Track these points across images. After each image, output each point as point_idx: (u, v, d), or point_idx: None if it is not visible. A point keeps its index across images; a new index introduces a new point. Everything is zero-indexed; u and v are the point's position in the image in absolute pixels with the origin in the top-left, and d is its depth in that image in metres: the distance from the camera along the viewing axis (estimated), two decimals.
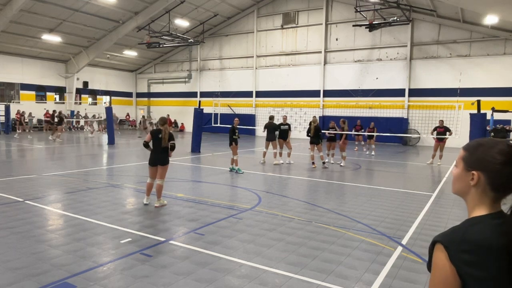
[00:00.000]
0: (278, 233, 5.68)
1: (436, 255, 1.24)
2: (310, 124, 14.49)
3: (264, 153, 13.84)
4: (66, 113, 25.26)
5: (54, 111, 24.97)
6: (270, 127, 13.70)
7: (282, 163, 13.47)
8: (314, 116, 13.93)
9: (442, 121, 14.56)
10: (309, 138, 13.30)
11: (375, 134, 17.20)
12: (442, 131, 14.29)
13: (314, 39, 27.38)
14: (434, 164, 14.24)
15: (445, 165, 13.93)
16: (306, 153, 15.42)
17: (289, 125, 14.02)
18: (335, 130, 13.94)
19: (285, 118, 14.07)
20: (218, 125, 18.67)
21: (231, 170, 11.52)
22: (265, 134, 14.09)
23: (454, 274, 1.19)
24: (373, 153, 17.36)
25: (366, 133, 17.14)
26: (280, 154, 13.63)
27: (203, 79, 32.89)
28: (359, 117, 20.58)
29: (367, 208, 7.38)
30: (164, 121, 7.44)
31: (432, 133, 14.82)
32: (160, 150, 7.21)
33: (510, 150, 1.26)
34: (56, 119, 22.24)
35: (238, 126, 11.88)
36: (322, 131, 13.52)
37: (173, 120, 34.51)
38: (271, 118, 13.92)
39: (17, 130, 25.12)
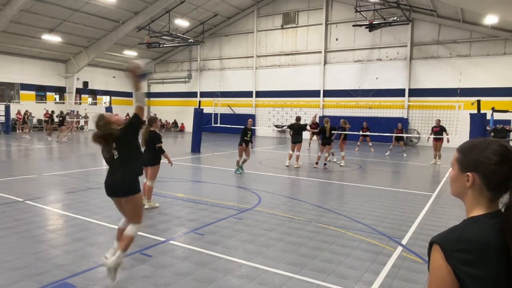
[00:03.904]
0: (278, 233, 5.68)
1: (433, 255, 1.25)
2: (312, 124, 14.45)
3: (290, 156, 12.91)
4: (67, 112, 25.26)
5: (52, 111, 24.93)
6: (297, 128, 12.71)
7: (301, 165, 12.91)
8: (327, 118, 13.56)
9: (439, 120, 14.58)
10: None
11: (405, 135, 16.96)
12: (438, 130, 14.32)
13: (314, 39, 27.39)
14: (437, 164, 14.20)
15: (445, 165, 13.93)
16: (305, 153, 15.41)
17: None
18: (344, 130, 14.00)
19: (298, 118, 13.12)
20: (218, 125, 18.67)
21: (237, 171, 11.32)
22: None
23: (451, 274, 1.19)
24: (405, 154, 17.10)
25: (394, 135, 16.87)
26: (296, 157, 12.79)
27: (203, 79, 32.90)
28: (363, 118, 20.56)
29: (367, 208, 7.38)
30: (148, 121, 7.09)
31: (430, 134, 14.80)
32: (147, 150, 6.96)
33: (503, 150, 1.27)
34: (56, 119, 22.23)
35: (252, 127, 11.47)
36: (333, 132, 13.26)
37: (173, 120, 34.56)
38: (298, 119, 12.95)
39: (18, 130, 25.12)
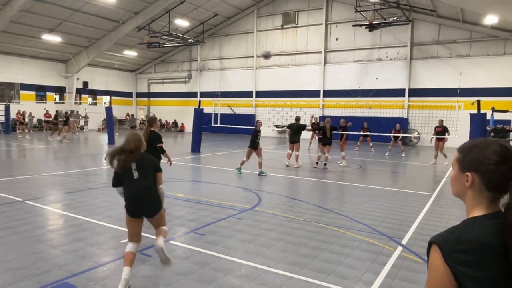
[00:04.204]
0: (278, 233, 5.68)
1: (431, 256, 1.24)
2: (313, 124, 14.42)
3: (289, 155, 12.98)
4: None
5: (57, 111, 24.82)
6: (296, 128, 12.78)
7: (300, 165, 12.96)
8: (328, 118, 13.63)
9: (442, 120, 14.57)
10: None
11: (400, 135, 17.09)
12: (440, 130, 14.31)
13: (314, 39, 27.39)
14: (444, 163, 14.17)
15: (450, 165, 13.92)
16: (305, 153, 15.41)
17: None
18: (345, 130, 14.08)
19: (298, 118, 13.18)
20: (218, 125, 18.66)
21: (260, 174, 10.92)
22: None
23: (449, 275, 1.19)
24: (403, 154, 17.13)
25: (392, 135, 16.97)
26: (296, 157, 12.85)
27: (203, 79, 32.90)
28: (363, 118, 20.57)
29: (367, 208, 7.37)
30: (148, 121, 7.07)
31: (434, 134, 14.78)
32: (147, 151, 6.97)
33: (503, 150, 1.26)
34: (59, 119, 22.14)
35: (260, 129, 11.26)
36: (334, 132, 13.28)
37: (173, 120, 34.57)
38: (297, 119, 12.98)
39: (17, 130, 25.08)
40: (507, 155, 1.25)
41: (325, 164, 12.72)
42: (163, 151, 6.97)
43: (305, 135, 15.09)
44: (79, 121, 30.44)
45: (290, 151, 12.89)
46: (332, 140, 12.96)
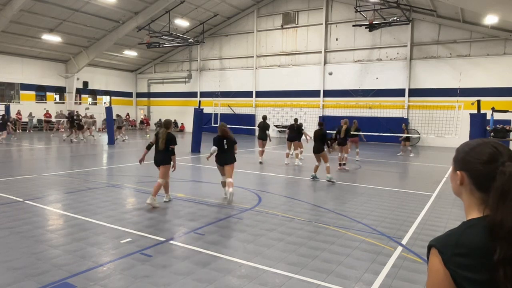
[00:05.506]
0: (278, 233, 5.68)
1: (431, 259, 1.24)
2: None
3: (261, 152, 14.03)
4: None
5: (71, 111, 24.43)
6: (262, 126, 14.15)
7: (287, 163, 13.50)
8: (346, 119, 13.70)
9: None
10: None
11: (405, 135, 17.14)
12: None
13: (314, 39, 27.38)
14: None
15: None
16: (308, 154, 15.41)
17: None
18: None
19: (265, 117, 14.49)
20: (218, 125, 18.63)
21: (329, 180, 10.22)
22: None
23: (449, 279, 1.18)
24: (411, 154, 17.08)
25: (403, 135, 17.02)
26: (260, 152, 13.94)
27: (203, 79, 32.90)
28: (363, 118, 20.59)
29: (367, 208, 7.38)
30: (164, 124, 7.49)
31: None
32: (158, 151, 7.30)
33: (492, 150, 1.24)
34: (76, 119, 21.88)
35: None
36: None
37: (173, 120, 34.55)
38: (264, 118, 14.35)
39: (17, 130, 25.10)
40: (495, 155, 1.23)
41: (340, 164, 12.68)
42: (173, 153, 7.32)
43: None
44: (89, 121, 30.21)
45: (260, 148, 13.89)
46: (346, 140, 13.00)
